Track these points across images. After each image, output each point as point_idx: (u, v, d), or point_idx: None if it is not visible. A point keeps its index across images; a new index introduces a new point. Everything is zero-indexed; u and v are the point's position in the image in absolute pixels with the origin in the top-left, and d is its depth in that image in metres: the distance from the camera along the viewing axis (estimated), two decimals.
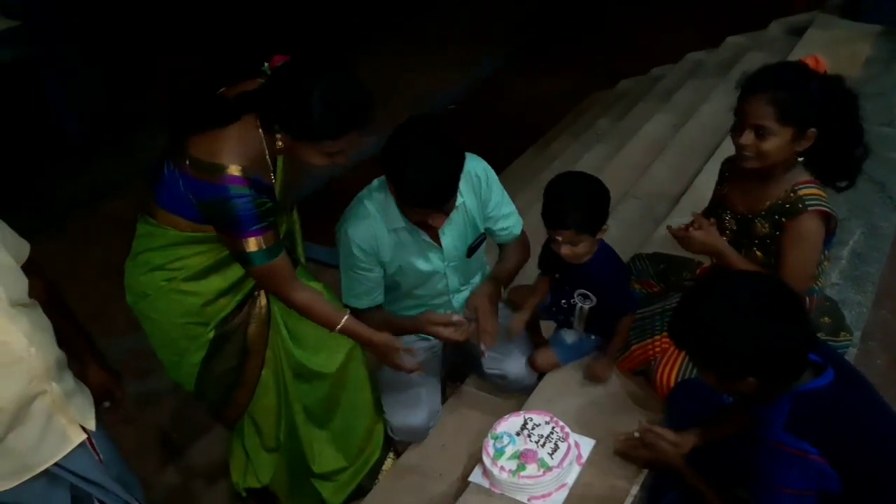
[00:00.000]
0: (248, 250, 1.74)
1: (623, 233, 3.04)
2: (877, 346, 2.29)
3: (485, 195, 2.09)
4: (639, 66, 5.38)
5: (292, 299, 1.89)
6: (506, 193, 2.18)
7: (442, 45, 6.36)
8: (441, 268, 2.11)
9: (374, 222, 1.99)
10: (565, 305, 2.21)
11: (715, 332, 1.40)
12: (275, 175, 1.81)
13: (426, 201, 1.85)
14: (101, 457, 1.68)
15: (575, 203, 1.98)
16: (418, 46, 6.36)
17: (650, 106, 4.46)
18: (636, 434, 1.89)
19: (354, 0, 7.11)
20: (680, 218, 2.93)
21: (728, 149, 3.35)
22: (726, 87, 4.10)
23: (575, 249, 2.02)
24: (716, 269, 2.11)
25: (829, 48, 3.88)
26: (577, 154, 4.23)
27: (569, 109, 5.36)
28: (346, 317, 1.94)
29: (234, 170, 1.67)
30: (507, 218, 2.17)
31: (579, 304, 2.16)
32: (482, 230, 2.16)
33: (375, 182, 2.04)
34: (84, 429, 1.62)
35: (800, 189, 1.89)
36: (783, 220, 1.89)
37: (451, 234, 2.07)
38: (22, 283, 1.54)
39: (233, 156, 1.68)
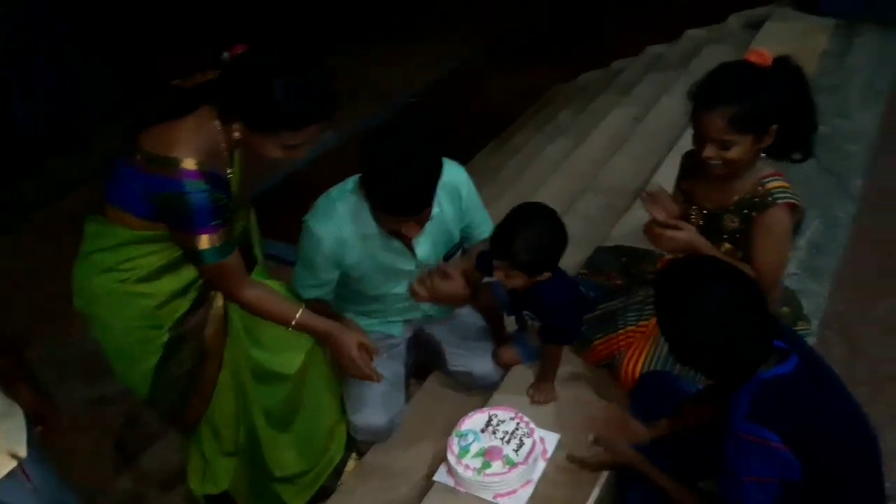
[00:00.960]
0: (199, 248, 1.68)
1: (585, 227, 3.04)
2: (834, 335, 2.32)
3: (465, 206, 2.06)
4: (600, 60, 5.40)
5: (242, 298, 1.82)
6: (479, 199, 2.15)
7: (409, 41, 6.33)
8: (412, 275, 2.07)
9: (342, 225, 1.95)
10: (521, 315, 2.19)
11: (677, 323, 1.43)
12: (231, 170, 1.74)
13: (400, 209, 1.81)
14: (35, 483, 1.59)
15: (523, 240, 1.90)
16: (386, 41, 6.32)
17: (611, 99, 4.48)
18: (590, 440, 1.84)
19: None
20: (642, 211, 2.93)
21: (687, 142, 3.41)
22: (686, 79, 4.14)
23: (509, 281, 1.98)
24: (675, 262, 2.10)
25: (787, 41, 3.93)
26: (539, 147, 4.23)
27: (531, 104, 5.35)
28: (300, 311, 1.88)
29: (189, 164, 1.60)
30: (481, 225, 2.15)
31: (529, 322, 2.15)
32: (458, 239, 2.14)
33: (350, 182, 1.98)
34: (14, 455, 1.54)
35: (767, 182, 1.89)
36: (753, 214, 1.89)
37: (426, 242, 2.04)
38: None
39: (188, 149, 1.61)
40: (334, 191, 2.00)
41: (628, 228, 2.87)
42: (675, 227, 1.93)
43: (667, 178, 3.12)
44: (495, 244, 1.95)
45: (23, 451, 1.55)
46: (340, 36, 6.37)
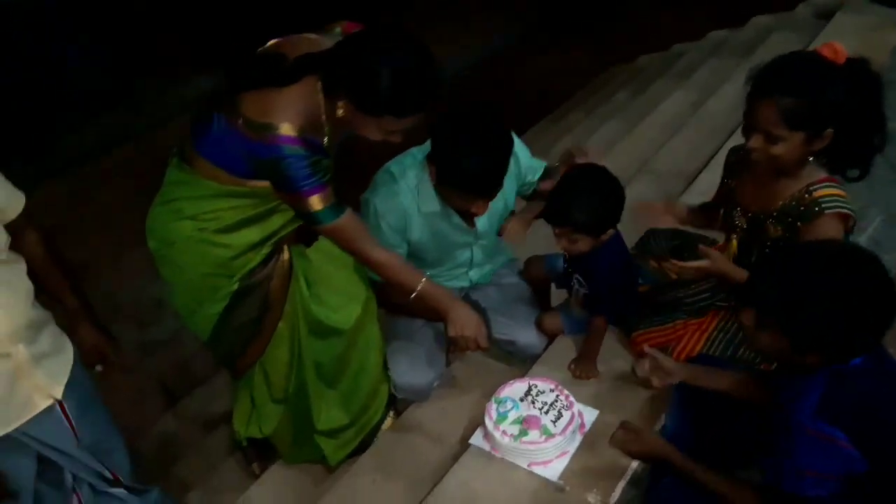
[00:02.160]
0: (313, 210, 1.70)
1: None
2: (893, 336, 2.25)
3: (522, 169, 2.08)
4: (660, 43, 5.29)
5: (370, 257, 1.85)
6: (529, 152, 2.17)
7: (462, 15, 6.26)
8: (470, 245, 2.13)
9: (405, 201, 1.99)
10: (571, 283, 2.19)
11: (817, 304, 1.32)
12: (327, 136, 1.76)
13: (480, 190, 1.86)
14: (75, 422, 1.64)
15: (581, 203, 1.92)
16: (437, 16, 6.26)
17: (670, 82, 4.40)
18: (638, 370, 1.86)
19: None
20: (698, 196, 2.90)
21: None
22: (749, 66, 4.05)
23: (572, 246, 1.99)
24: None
25: (857, 34, 3.79)
26: (593, 127, 4.19)
27: (587, 83, 5.29)
28: (424, 279, 1.90)
29: (287, 129, 1.62)
30: (536, 172, 2.18)
31: (576, 286, 2.14)
32: (512, 207, 2.17)
33: (408, 159, 2.02)
34: (51, 395, 1.58)
35: (815, 189, 1.76)
36: (798, 223, 1.78)
37: (484, 216, 2.06)
38: None
39: (287, 115, 1.63)
40: (394, 167, 2.03)
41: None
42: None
43: (722, 164, 3.08)
44: (553, 213, 1.97)
45: (59, 393, 1.59)
46: (382, 11, 6.34)
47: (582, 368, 2.15)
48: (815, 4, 4.55)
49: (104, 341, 1.78)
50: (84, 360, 1.73)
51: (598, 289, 2.09)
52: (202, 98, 1.83)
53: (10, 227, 1.57)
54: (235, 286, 1.87)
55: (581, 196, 1.93)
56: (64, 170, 4.67)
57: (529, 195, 2.23)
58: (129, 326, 3.38)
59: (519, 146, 2.08)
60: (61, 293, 1.73)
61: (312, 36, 1.74)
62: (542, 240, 2.29)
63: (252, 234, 1.83)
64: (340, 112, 1.66)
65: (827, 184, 1.77)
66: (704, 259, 1.85)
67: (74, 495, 1.77)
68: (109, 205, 4.12)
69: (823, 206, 1.74)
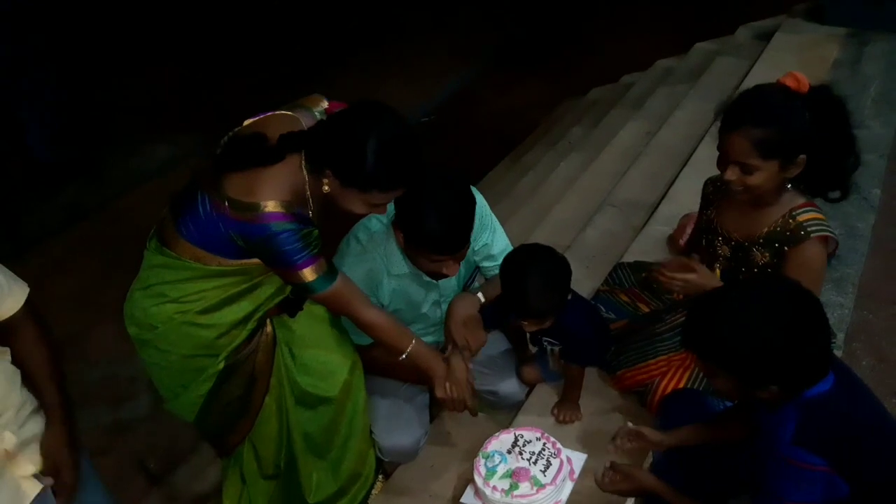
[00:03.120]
0: (307, 281, 1.71)
1: (602, 242, 3.05)
2: (861, 348, 2.30)
3: (477, 231, 2.07)
4: (609, 74, 5.42)
5: (363, 318, 1.85)
6: (500, 228, 2.17)
7: (418, 58, 6.36)
8: (437, 304, 2.14)
9: (373, 266, 2.00)
10: (543, 344, 2.20)
11: (745, 341, 1.34)
12: (312, 211, 1.77)
13: (447, 249, 1.87)
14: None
15: (538, 295, 1.93)
16: (394, 60, 6.36)
17: (622, 113, 4.48)
18: (607, 467, 1.81)
19: (330, 14, 7.09)
20: (660, 226, 2.96)
21: (702, 156, 3.42)
22: (697, 93, 4.17)
23: (540, 326, 2.03)
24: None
25: (797, 52, 3.93)
26: (552, 164, 4.24)
27: (542, 119, 5.38)
28: (414, 339, 1.91)
29: (273, 206, 1.63)
30: (495, 242, 2.15)
31: (549, 347, 2.16)
32: (474, 265, 2.18)
33: (374, 223, 2.03)
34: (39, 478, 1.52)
35: (798, 214, 1.81)
36: (785, 248, 1.83)
37: None
38: None
39: (272, 193, 1.64)
40: (360, 233, 2.04)
41: (647, 243, 2.87)
42: (687, 270, 1.86)
43: (682, 192, 3.15)
44: (515, 308, 2.00)
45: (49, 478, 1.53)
46: (343, 55, 6.42)
47: (565, 412, 2.16)
48: (753, 27, 4.71)
49: (68, 462, 1.59)
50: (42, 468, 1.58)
51: (570, 346, 2.10)
52: (166, 172, 1.82)
53: (9, 323, 1.52)
54: (221, 365, 1.86)
55: (535, 287, 1.93)
56: (30, 247, 4.60)
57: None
58: (101, 408, 3.30)
59: (480, 202, 2.05)
60: (45, 389, 1.60)
61: (289, 113, 1.75)
62: None
63: (237, 312, 1.82)
64: (326, 188, 1.68)
65: (808, 208, 1.83)
66: (691, 273, 1.86)
67: None
68: (77, 281, 4.05)
69: (809, 229, 1.80)
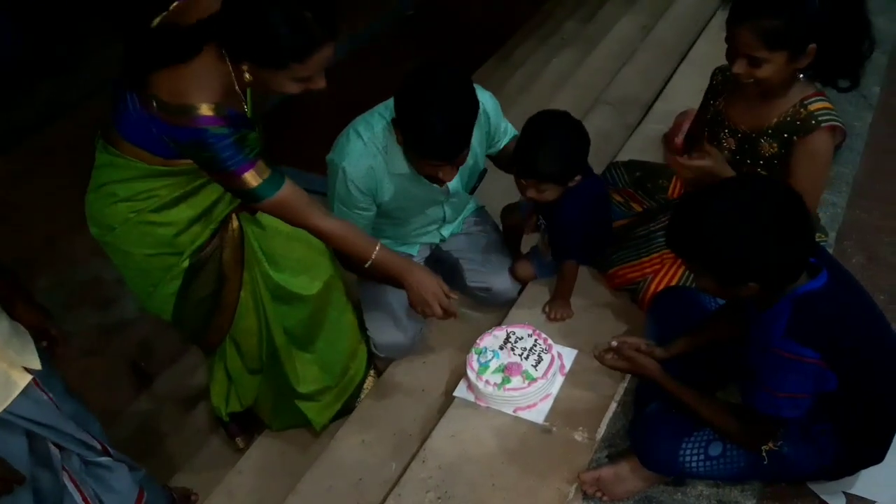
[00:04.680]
0: (248, 187, 1.62)
1: (596, 140, 2.94)
2: (852, 245, 2.31)
3: (493, 129, 2.03)
4: None
5: (320, 227, 1.76)
6: (500, 112, 2.11)
7: None
8: (441, 203, 2.10)
9: (374, 163, 1.92)
10: (539, 224, 2.18)
11: (718, 238, 1.34)
12: (247, 103, 1.67)
13: (446, 155, 1.80)
14: (52, 395, 1.61)
15: (546, 153, 1.89)
16: None
17: (618, 7, 4.32)
18: (612, 344, 1.81)
19: None
20: (655, 125, 2.89)
21: (700, 52, 3.31)
22: None
23: (540, 195, 1.98)
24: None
25: None
26: (544, 60, 4.10)
27: (532, 12, 5.16)
28: (378, 246, 1.84)
29: (206, 109, 1.52)
30: (506, 135, 2.12)
31: (542, 226, 2.13)
32: (482, 167, 2.12)
33: (375, 118, 1.93)
34: (29, 370, 1.54)
35: (809, 103, 1.77)
36: (794, 137, 1.79)
37: (456, 177, 2.00)
38: None
39: (201, 94, 1.52)
40: (361, 126, 1.94)
41: (641, 142, 2.82)
42: (700, 155, 1.82)
43: (679, 89, 3.07)
44: (519, 163, 1.94)
45: (36, 364, 1.55)
46: None
47: (556, 309, 2.16)
48: None
49: (42, 318, 1.72)
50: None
51: (562, 235, 2.08)
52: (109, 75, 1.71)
53: None
54: (186, 262, 1.81)
55: (546, 146, 1.90)
56: (6, 148, 4.46)
57: (496, 154, 2.16)
58: (89, 310, 3.28)
59: (489, 102, 2.01)
60: None
61: None
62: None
63: (194, 207, 1.76)
64: (247, 77, 1.56)
65: (819, 97, 1.79)
66: (706, 158, 1.81)
67: (64, 472, 1.73)
68: (54, 184, 3.94)
69: (819, 118, 1.76)
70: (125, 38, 1.62)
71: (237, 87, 1.59)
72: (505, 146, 2.13)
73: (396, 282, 1.92)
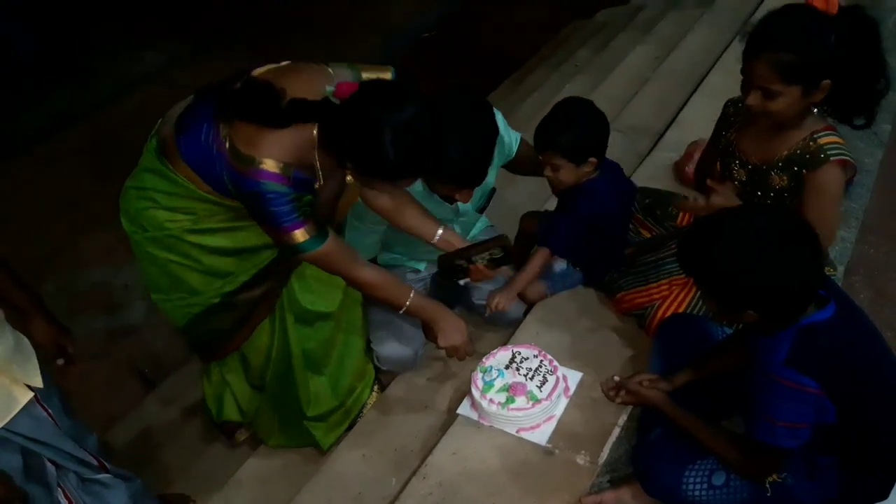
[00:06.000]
0: (295, 242, 1.66)
1: None
2: (860, 281, 2.31)
3: (507, 146, 2.07)
4: None
5: (357, 278, 1.83)
6: (509, 129, 2.15)
7: None
8: (451, 222, 2.11)
9: None
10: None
11: (720, 262, 1.36)
12: (319, 183, 1.70)
13: (472, 182, 1.85)
14: (51, 412, 1.61)
15: (561, 126, 1.95)
16: None
17: (631, 37, 4.37)
18: (616, 379, 1.85)
19: None
20: (666, 153, 2.91)
21: (713, 82, 3.34)
22: (709, 18, 4.05)
23: (555, 174, 2.01)
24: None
25: None
26: (556, 86, 4.14)
27: (547, 40, 5.22)
28: (412, 294, 1.90)
29: (272, 165, 1.55)
30: (516, 142, 2.16)
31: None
32: (492, 185, 2.15)
33: None
34: (30, 387, 1.55)
35: (819, 137, 1.77)
36: (803, 171, 1.80)
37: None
38: None
39: (272, 151, 1.56)
40: None
41: (652, 170, 2.84)
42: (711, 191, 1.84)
43: (690, 119, 3.09)
44: (538, 138, 2.00)
45: (38, 382, 1.56)
46: None
47: (501, 297, 2.13)
48: None
49: (60, 334, 1.74)
50: (45, 355, 1.68)
51: (558, 218, 2.11)
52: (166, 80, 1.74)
53: None
54: (217, 300, 1.84)
55: (561, 119, 1.97)
56: (16, 153, 4.50)
57: (513, 160, 2.20)
58: (94, 314, 3.29)
59: (499, 120, 2.04)
60: (5, 291, 1.66)
61: (314, 67, 1.66)
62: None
63: (228, 241, 1.79)
64: (350, 178, 1.63)
65: (829, 132, 1.79)
66: (716, 196, 1.84)
67: (59, 489, 1.73)
68: (66, 189, 3.98)
69: (829, 152, 1.76)
70: (228, 76, 1.65)
71: (317, 167, 1.64)
72: (518, 151, 2.17)
73: (428, 325, 2.00)
